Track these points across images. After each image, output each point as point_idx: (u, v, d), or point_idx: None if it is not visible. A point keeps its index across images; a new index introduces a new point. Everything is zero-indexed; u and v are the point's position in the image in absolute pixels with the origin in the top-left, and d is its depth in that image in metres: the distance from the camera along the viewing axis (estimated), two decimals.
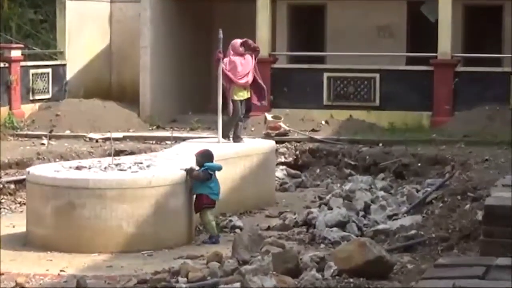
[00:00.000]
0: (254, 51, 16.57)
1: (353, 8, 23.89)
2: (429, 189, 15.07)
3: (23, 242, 12.11)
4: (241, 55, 15.92)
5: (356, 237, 11.76)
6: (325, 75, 22.63)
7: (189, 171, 12.57)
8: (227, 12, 23.06)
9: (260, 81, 16.44)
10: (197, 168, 12.62)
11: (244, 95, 15.80)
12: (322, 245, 11.67)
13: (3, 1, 29.00)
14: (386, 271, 8.69)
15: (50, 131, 19.97)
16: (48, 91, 22.81)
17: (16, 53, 21.58)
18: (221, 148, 13.81)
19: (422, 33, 23.64)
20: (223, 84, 15.85)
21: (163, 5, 23.84)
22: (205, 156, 12.65)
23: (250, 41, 16.43)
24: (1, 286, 9.36)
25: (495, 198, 6.42)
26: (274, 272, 8.82)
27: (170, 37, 24.24)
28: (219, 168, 12.56)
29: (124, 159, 14.46)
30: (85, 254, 11.27)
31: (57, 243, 11.61)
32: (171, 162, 13.41)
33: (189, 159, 13.07)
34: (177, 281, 9.31)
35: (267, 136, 18.91)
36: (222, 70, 15.71)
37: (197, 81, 24.56)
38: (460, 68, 21.97)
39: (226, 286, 8.69)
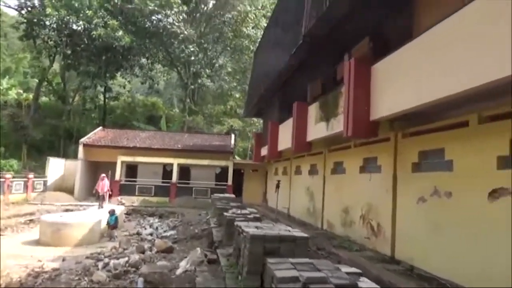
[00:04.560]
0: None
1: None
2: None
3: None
4: (102, 179, 14.93)
5: (158, 238, 11.14)
6: (137, 186, 21.08)
7: (109, 214, 11.55)
8: (105, 165, 20.45)
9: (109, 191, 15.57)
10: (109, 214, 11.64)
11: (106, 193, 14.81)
12: (147, 240, 11.02)
13: None
14: (172, 250, 9.10)
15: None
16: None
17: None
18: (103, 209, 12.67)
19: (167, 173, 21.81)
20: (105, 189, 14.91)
21: (84, 163, 21.47)
22: (112, 211, 11.80)
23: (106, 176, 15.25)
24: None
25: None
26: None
27: (86, 174, 21.69)
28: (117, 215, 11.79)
29: (69, 213, 12.98)
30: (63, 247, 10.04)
31: (49, 243, 10.32)
32: (91, 213, 12.44)
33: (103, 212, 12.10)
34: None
35: (120, 203, 17.74)
36: (103, 184, 14.90)
37: (92, 185, 20.98)
38: (178, 184, 20.76)
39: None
